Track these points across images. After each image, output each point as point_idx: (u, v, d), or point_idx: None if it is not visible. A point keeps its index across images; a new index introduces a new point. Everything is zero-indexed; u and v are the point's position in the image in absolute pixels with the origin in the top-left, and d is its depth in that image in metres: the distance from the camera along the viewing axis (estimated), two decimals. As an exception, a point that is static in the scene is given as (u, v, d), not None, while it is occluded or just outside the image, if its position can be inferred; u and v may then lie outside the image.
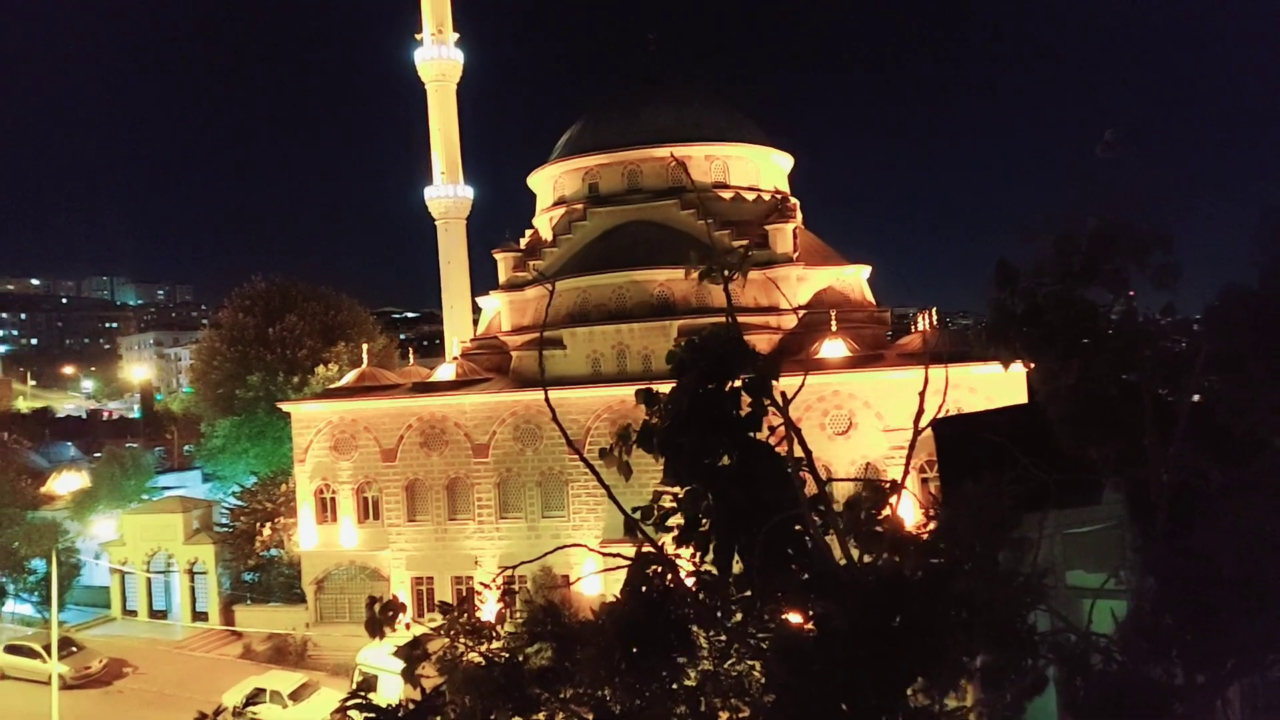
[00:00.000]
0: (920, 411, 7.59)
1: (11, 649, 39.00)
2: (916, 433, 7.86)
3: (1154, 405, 8.37)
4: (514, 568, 8.98)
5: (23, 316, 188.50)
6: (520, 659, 9.43)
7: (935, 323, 42.37)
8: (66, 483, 60.75)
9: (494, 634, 10.25)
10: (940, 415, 9.69)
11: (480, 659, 10.00)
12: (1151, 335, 8.18)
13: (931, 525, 6.89)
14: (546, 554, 10.75)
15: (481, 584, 10.43)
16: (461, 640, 10.24)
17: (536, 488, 40.46)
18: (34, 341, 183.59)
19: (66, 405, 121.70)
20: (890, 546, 6.71)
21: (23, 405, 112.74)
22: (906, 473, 7.72)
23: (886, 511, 6.85)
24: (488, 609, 11.62)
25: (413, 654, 9.79)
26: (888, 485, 7.00)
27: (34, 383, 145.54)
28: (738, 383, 6.89)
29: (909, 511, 7.85)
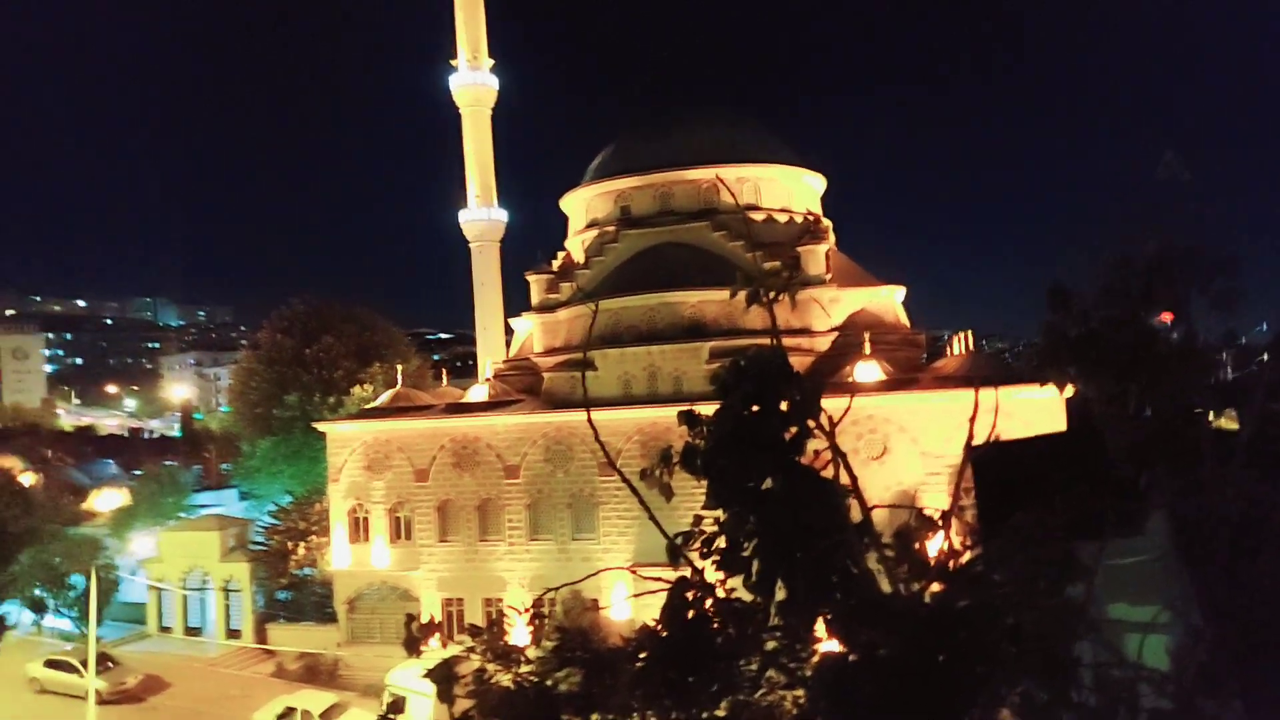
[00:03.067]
0: (970, 437, 7.39)
1: (50, 663, 39.52)
2: (966, 459, 7.65)
3: (1214, 433, 8.08)
4: (555, 590, 8.87)
5: (68, 336, 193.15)
6: (550, 683, 9.30)
7: (971, 346, 41.77)
8: (107, 500, 61.89)
9: (523, 658, 10.12)
10: (981, 441, 9.45)
11: (510, 683, 9.88)
12: (1212, 361, 7.92)
13: (974, 555, 6.70)
14: (585, 578, 10.64)
15: (511, 608, 10.30)
16: (491, 663, 10.14)
17: (567, 510, 40.35)
18: (78, 361, 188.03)
19: (108, 423, 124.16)
20: (939, 576, 6.51)
21: (66, 423, 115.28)
22: (955, 501, 7.51)
23: (935, 541, 6.67)
24: (518, 632, 11.48)
25: (445, 676, 9.70)
26: (939, 516, 6.81)
27: (78, 401, 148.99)
28: (783, 405, 6.75)
29: (953, 541, 7.65)
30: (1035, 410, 28.20)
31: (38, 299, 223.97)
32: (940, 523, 6.54)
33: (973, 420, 6.84)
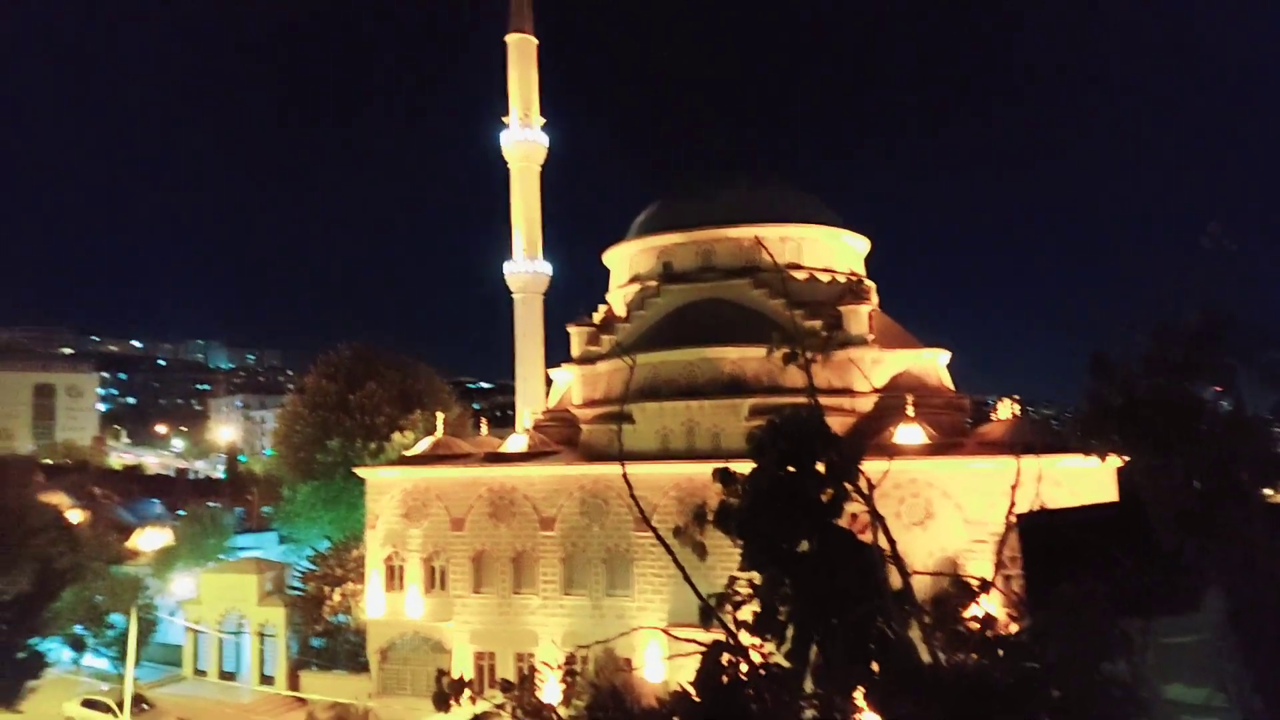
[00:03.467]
0: (1012, 505, 7.26)
1: (88, 703, 39.84)
2: (1008, 529, 7.51)
3: (1266, 506, 7.84)
4: (587, 647, 8.80)
5: (122, 376, 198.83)
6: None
7: (1018, 411, 41.03)
8: (150, 539, 62.87)
9: (555, 716, 9.99)
10: (1027, 510, 9.27)
11: (542, 741, 9.74)
12: (1259, 434, 7.72)
13: (1020, 627, 6.51)
14: (617, 637, 10.55)
15: (544, 663, 10.24)
16: (523, 718, 10.01)
17: (602, 565, 40.03)
18: (131, 400, 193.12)
19: (155, 462, 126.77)
20: (978, 648, 6.35)
21: (115, 461, 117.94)
22: (996, 571, 7.35)
23: (974, 610, 6.52)
24: (549, 689, 11.35)
25: (474, 731, 9.60)
26: (977, 584, 6.66)
27: (128, 440, 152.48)
28: (820, 467, 6.72)
29: (994, 611, 7.45)
30: (1085, 479, 27.53)
31: (96, 339, 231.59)
32: (980, 590, 6.39)
33: (1014, 487, 6.70)
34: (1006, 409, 41.17)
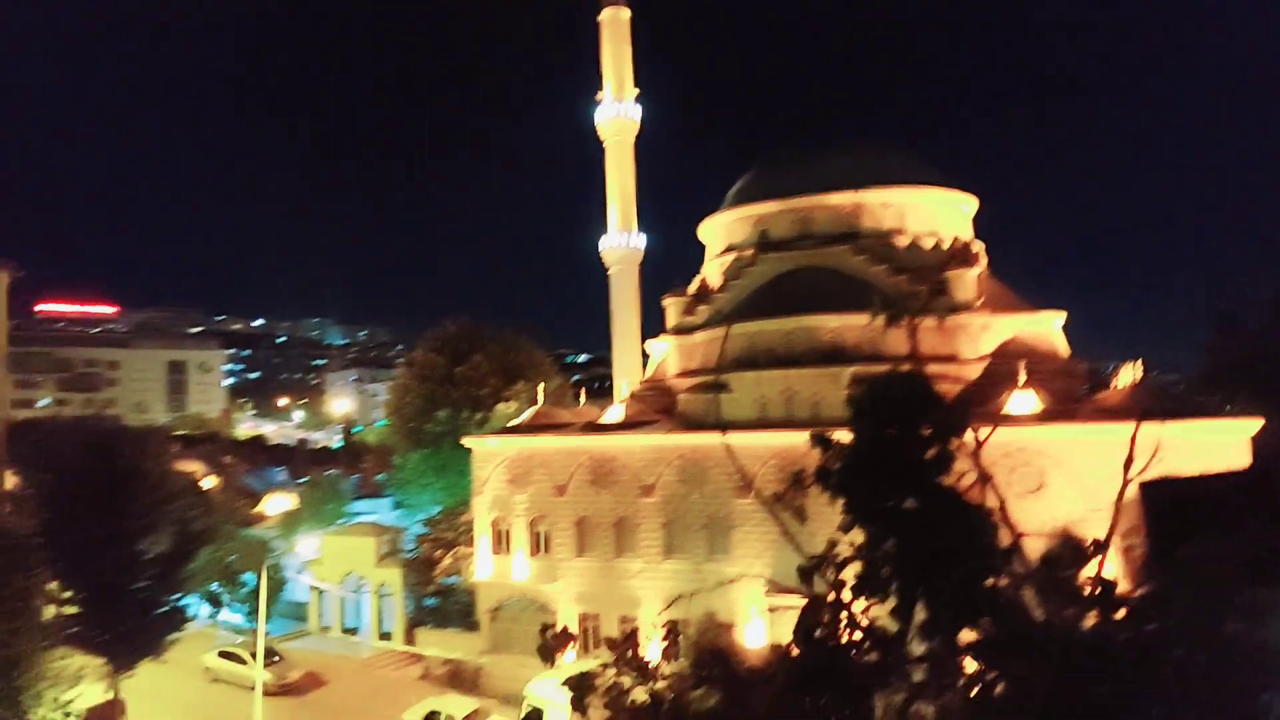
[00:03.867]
0: (1129, 462, 6.99)
1: (223, 654, 42.91)
2: (1125, 484, 7.24)
3: None
4: (690, 596, 8.98)
5: (246, 353, 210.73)
6: (685, 701, 9.35)
7: (1140, 376, 38.90)
8: (276, 504, 66.91)
9: (659, 675, 10.22)
10: (1149, 477, 8.88)
11: (646, 697, 9.99)
12: None
13: (1143, 590, 6.28)
14: (719, 585, 10.68)
15: (649, 623, 10.43)
16: (628, 676, 10.28)
17: (702, 530, 40.31)
18: (254, 375, 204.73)
19: (277, 434, 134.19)
20: (1095, 608, 6.17)
21: (241, 432, 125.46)
22: (1112, 531, 7.11)
23: (1089, 571, 6.33)
24: (652, 648, 11.62)
25: (581, 685, 9.94)
26: (1090, 545, 6.46)
27: (253, 412, 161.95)
28: (924, 428, 6.62)
29: (1113, 575, 7.21)
30: (1215, 446, 26.02)
31: (221, 318, 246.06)
32: (1094, 552, 6.19)
33: (1131, 453, 6.43)
34: (1127, 374, 39.10)
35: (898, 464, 6.67)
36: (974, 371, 40.07)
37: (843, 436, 7.64)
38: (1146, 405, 32.34)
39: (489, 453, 45.31)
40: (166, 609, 35.67)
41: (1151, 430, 8.03)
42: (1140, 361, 39.29)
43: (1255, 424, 29.01)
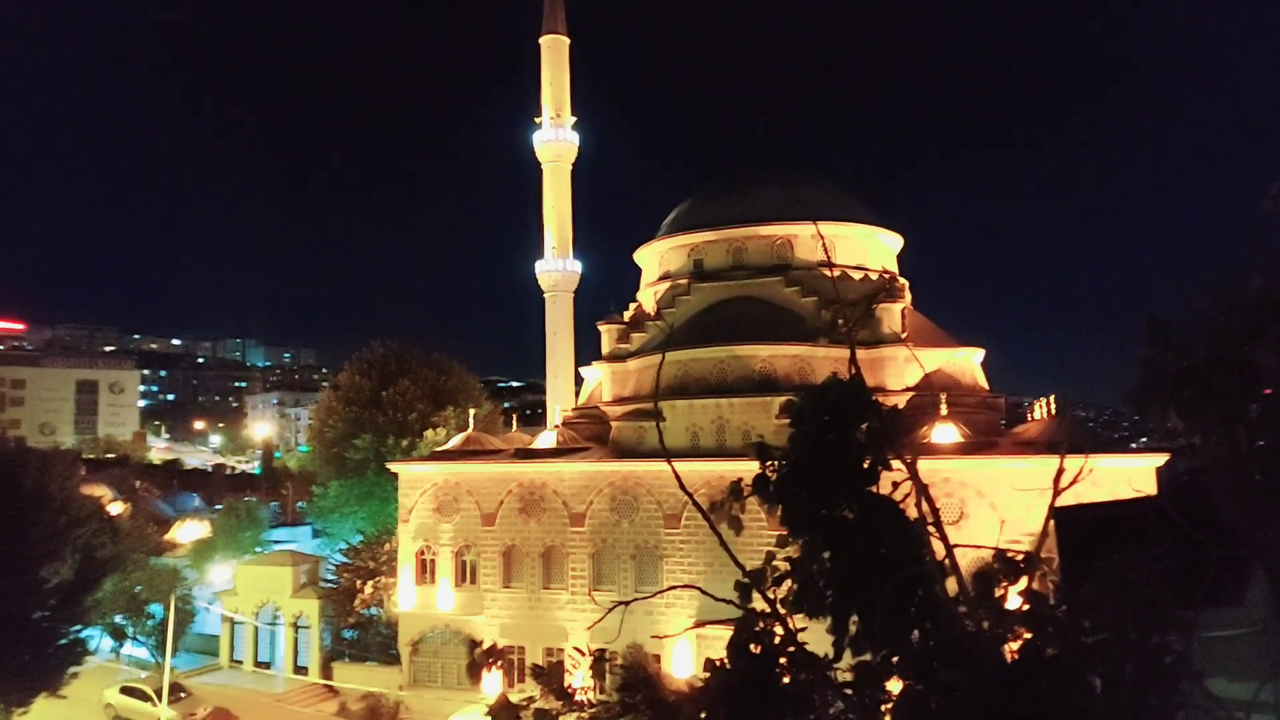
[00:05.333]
0: (1056, 492, 7.14)
1: (127, 691, 40.64)
2: (1051, 512, 7.39)
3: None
4: (624, 604, 8.79)
5: (163, 373, 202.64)
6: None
7: (1054, 411, 40.37)
8: (188, 531, 64.05)
9: (588, 701, 9.98)
10: (1061, 505, 9.10)
11: (574, 725, 9.73)
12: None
13: (1064, 601, 6.41)
14: (654, 594, 10.48)
15: (577, 649, 10.21)
16: (553, 702, 10.02)
17: (630, 561, 40.06)
18: (170, 397, 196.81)
19: (193, 458, 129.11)
20: (1027, 621, 6.24)
21: (155, 456, 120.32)
22: (1039, 549, 7.24)
23: (1021, 585, 6.42)
24: (578, 677, 11.37)
25: (505, 716, 9.63)
26: (1021, 559, 6.57)
27: (167, 435, 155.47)
28: (861, 433, 6.66)
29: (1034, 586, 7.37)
30: (1124, 480, 27.06)
31: (137, 336, 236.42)
32: (1024, 566, 6.29)
33: (1057, 478, 6.57)
34: (1042, 409, 40.56)
35: (837, 469, 6.68)
36: (899, 403, 41.01)
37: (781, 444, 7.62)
38: (1064, 439, 33.52)
39: (416, 478, 44.32)
40: (66, 640, 33.71)
41: (1068, 462, 8.26)
42: (1053, 397, 40.84)
43: (1160, 459, 30.44)
